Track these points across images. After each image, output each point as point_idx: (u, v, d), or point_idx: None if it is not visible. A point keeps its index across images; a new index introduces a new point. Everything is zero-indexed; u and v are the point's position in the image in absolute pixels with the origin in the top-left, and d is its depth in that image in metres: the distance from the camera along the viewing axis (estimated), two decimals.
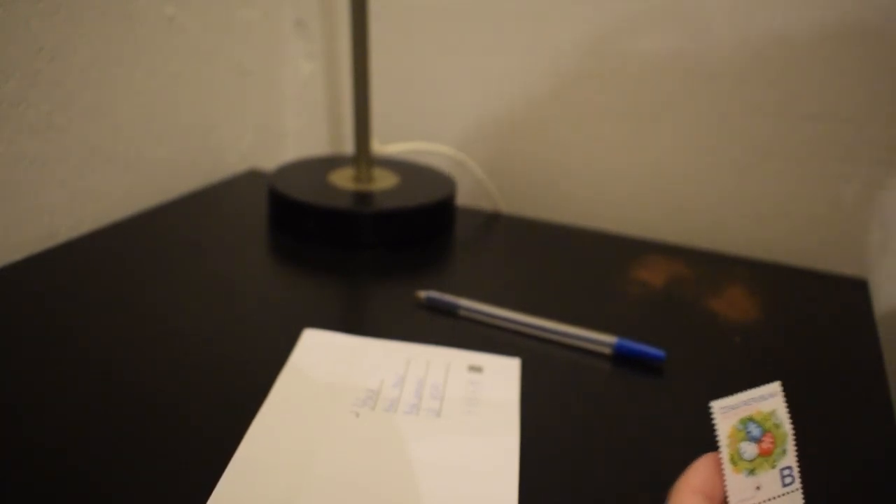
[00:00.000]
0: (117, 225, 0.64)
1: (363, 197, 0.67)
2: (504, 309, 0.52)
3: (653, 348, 0.48)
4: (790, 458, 0.28)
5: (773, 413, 0.28)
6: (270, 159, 0.88)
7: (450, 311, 0.53)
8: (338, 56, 0.85)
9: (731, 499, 0.27)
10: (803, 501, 0.27)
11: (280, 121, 0.89)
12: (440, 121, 0.82)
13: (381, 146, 0.73)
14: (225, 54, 0.77)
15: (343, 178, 0.70)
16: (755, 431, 0.27)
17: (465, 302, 0.53)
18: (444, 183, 0.71)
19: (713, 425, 0.27)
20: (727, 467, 0.27)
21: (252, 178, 0.80)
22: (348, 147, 0.88)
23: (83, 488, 0.34)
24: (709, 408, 0.27)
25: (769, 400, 0.28)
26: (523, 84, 0.77)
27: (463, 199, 0.74)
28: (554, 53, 0.75)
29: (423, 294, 0.54)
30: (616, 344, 0.48)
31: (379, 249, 0.63)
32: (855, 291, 0.60)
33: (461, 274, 0.60)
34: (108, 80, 0.63)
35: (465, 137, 0.80)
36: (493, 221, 0.73)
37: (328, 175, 0.71)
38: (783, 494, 0.27)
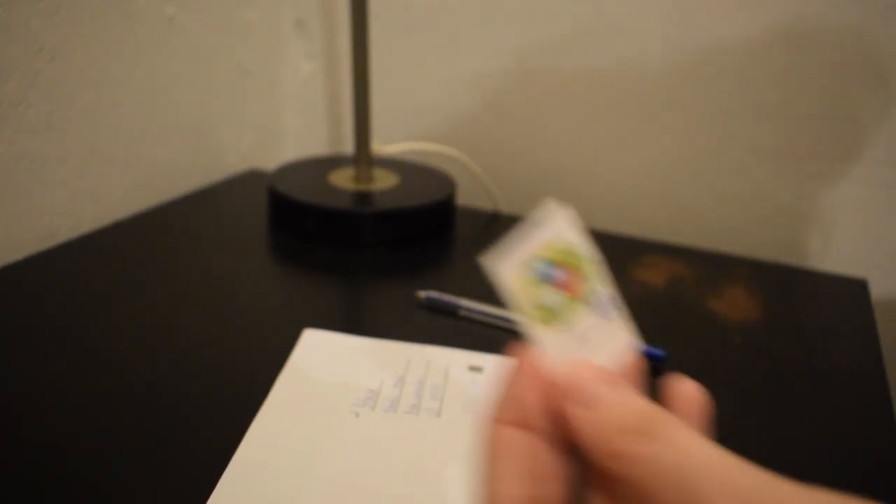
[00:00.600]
0: (117, 225, 0.64)
1: (363, 197, 0.67)
2: (504, 309, 0.52)
3: (653, 348, 0.48)
4: (604, 286, 0.23)
5: (560, 241, 0.22)
6: (270, 159, 0.88)
7: (450, 311, 0.53)
8: (338, 56, 0.85)
9: (545, 351, 0.23)
10: (627, 321, 0.23)
11: (280, 121, 0.89)
12: (440, 121, 0.82)
13: (381, 146, 0.73)
14: (225, 54, 0.77)
15: (343, 178, 0.70)
16: (549, 271, 0.22)
17: (465, 302, 0.53)
18: (444, 183, 0.71)
19: (496, 286, 0.22)
20: (536, 329, 0.22)
21: (252, 178, 0.80)
22: (348, 147, 0.88)
23: (83, 488, 0.34)
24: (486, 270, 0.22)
25: (551, 228, 0.22)
26: (523, 84, 0.77)
27: (463, 199, 0.74)
28: (554, 53, 0.75)
29: (423, 294, 0.54)
30: None
31: (379, 249, 0.63)
32: (855, 291, 0.60)
33: (461, 274, 0.60)
34: (108, 80, 0.63)
35: (465, 137, 0.80)
36: (493, 221, 0.73)
37: (328, 175, 0.71)
38: (605, 326, 0.23)
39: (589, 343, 0.23)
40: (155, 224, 0.65)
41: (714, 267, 0.63)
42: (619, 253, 0.65)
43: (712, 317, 0.55)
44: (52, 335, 0.47)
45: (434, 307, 0.53)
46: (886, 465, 0.40)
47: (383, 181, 0.70)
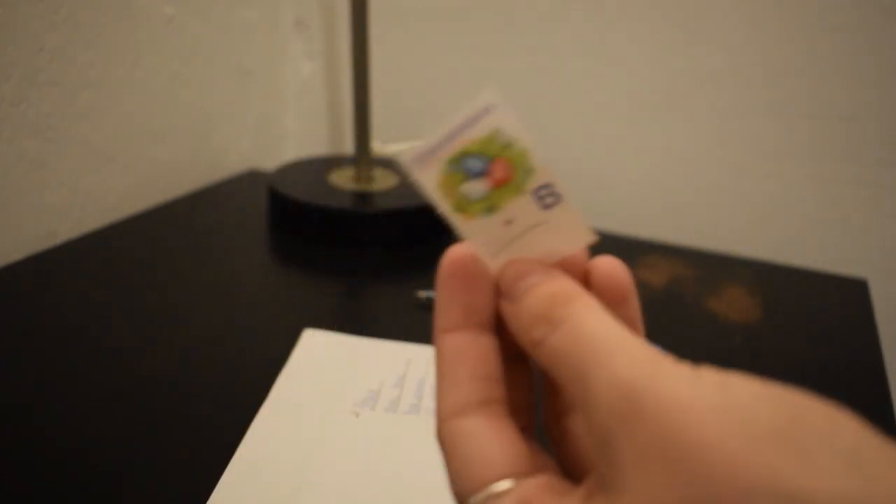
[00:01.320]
0: (117, 225, 0.64)
1: (363, 197, 0.67)
2: None
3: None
4: (544, 175, 0.20)
5: (494, 133, 0.20)
6: (270, 159, 0.88)
7: None
8: (338, 56, 0.85)
9: (478, 250, 0.21)
10: (580, 213, 0.21)
11: (280, 121, 0.89)
12: (440, 120, 0.82)
13: (381, 146, 0.73)
14: (225, 54, 0.77)
15: (343, 178, 0.70)
16: (475, 165, 0.20)
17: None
18: None
19: (417, 183, 0.20)
20: (456, 220, 0.21)
21: (252, 178, 0.80)
22: (348, 147, 0.88)
23: (83, 488, 0.34)
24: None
25: (484, 120, 0.20)
26: (523, 83, 0.77)
27: None
28: (554, 53, 0.75)
29: (423, 294, 0.54)
30: None
31: (379, 249, 0.63)
32: (855, 291, 0.60)
33: None
34: (108, 80, 0.63)
35: None
36: None
37: (328, 175, 0.71)
38: (549, 218, 0.21)
39: (515, 227, 0.21)
40: (155, 224, 0.65)
41: (714, 267, 0.63)
42: (619, 253, 0.65)
43: (712, 317, 0.54)
44: (52, 335, 0.47)
45: (434, 307, 0.53)
46: None
47: (383, 181, 0.70)
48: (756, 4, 0.66)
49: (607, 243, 0.68)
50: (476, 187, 0.20)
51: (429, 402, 0.42)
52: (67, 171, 0.61)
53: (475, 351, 0.21)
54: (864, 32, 0.64)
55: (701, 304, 0.56)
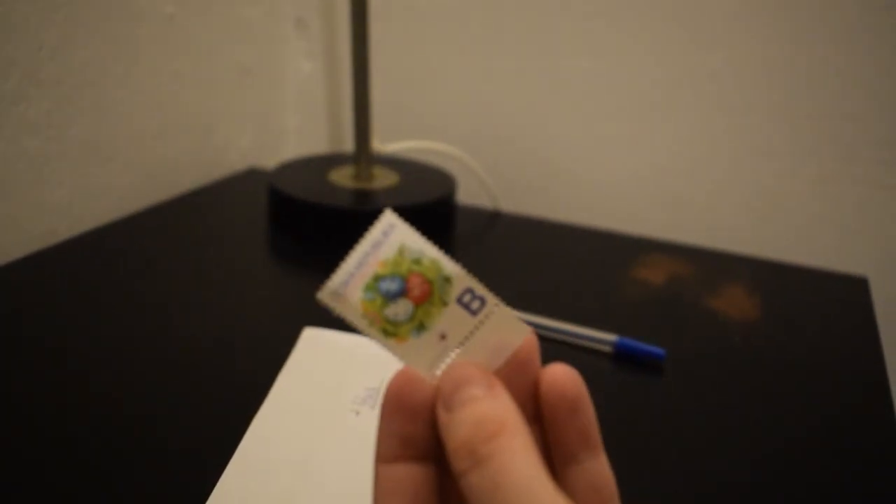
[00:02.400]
0: (117, 223, 0.64)
1: (363, 195, 0.67)
2: (505, 304, 0.52)
3: (653, 347, 0.48)
4: (462, 281, 0.21)
5: (401, 250, 0.20)
6: (271, 157, 0.88)
7: None
8: (338, 54, 0.85)
9: (421, 370, 0.21)
10: (511, 311, 0.21)
11: (280, 119, 0.89)
12: (440, 119, 0.82)
13: (382, 144, 0.73)
14: (225, 53, 0.77)
15: (343, 177, 0.70)
16: (392, 287, 0.20)
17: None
18: (444, 181, 0.71)
19: (339, 317, 0.20)
20: (389, 345, 0.21)
21: (252, 176, 0.80)
22: (348, 145, 0.88)
23: (84, 487, 0.34)
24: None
25: (388, 240, 0.20)
26: (523, 82, 0.77)
27: (463, 197, 0.74)
28: (554, 52, 0.75)
29: None
30: (617, 342, 0.48)
31: None
32: (855, 290, 0.60)
33: None
34: (108, 78, 0.63)
35: (465, 136, 0.80)
36: (493, 220, 0.73)
37: (328, 173, 0.71)
38: (482, 322, 0.21)
39: (451, 340, 0.21)
40: (155, 222, 0.65)
41: (714, 266, 0.63)
42: (619, 252, 0.65)
43: (712, 316, 0.55)
44: (52, 333, 0.47)
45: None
46: (886, 464, 0.40)
47: (383, 179, 0.70)
48: (756, 4, 0.66)
49: (608, 241, 0.68)
50: (399, 309, 0.21)
51: None
52: (67, 170, 0.61)
53: (410, 484, 0.21)
54: (865, 32, 0.64)
55: (701, 302, 0.56)
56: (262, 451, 0.37)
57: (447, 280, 0.21)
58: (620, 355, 0.48)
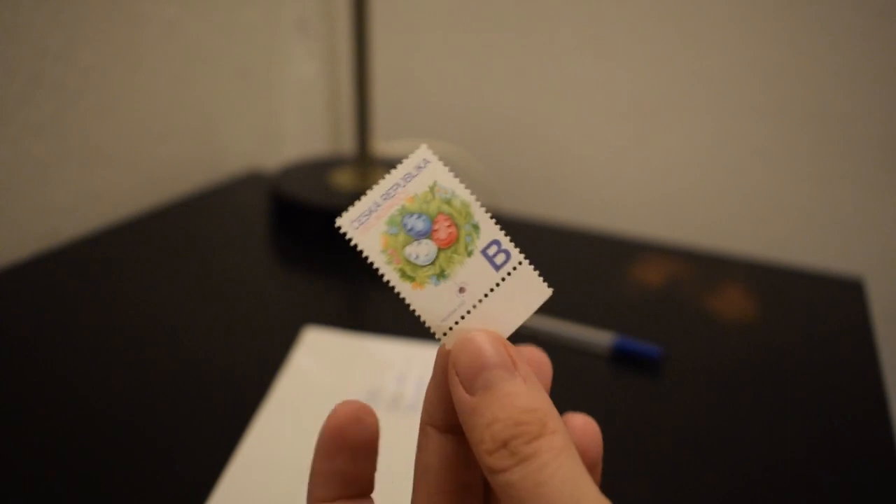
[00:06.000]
0: (119, 225, 0.64)
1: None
2: None
3: (651, 347, 0.48)
4: (490, 231, 0.19)
5: (433, 188, 0.19)
6: (271, 159, 0.88)
7: None
8: (338, 56, 0.85)
9: (431, 324, 0.19)
10: (536, 273, 0.20)
11: (281, 121, 0.90)
12: (441, 120, 0.82)
13: (382, 146, 0.73)
14: (226, 55, 0.78)
15: (344, 178, 0.70)
16: (418, 224, 0.19)
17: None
18: None
19: (356, 249, 0.19)
20: (403, 289, 0.19)
21: (253, 178, 0.80)
22: (349, 147, 0.88)
23: (84, 487, 0.35)
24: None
25: (421, 174, 0.19)
26: (524, 83, 0.77)
27: None
28: (554, 53, 0.75)
29: None
30: (615, 342, 0.49)
31: None
32: (852, 291, 0.60)
33: None
34: (111, 81, 0.64)
35: (465, 137, 0.81)
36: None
37: (329, 175, 0.71)
38: (504, 279, 0.20)
39: (470, 295, 0.19)
40: (157, 223, 0.65)
41: (712, 266, 0.64)
42: (618, 252, 0.65)
43: (711, 316, 0.55)
44: (54, 333, 0.47)
45: None
46: (884, 464, 0.40)
47: None
48: (755, 4, 0.67)
49: (608, 242, 0.68)
50: (421, 250, 0.19)
51: None
52: (70, 171, 0.62)
53: (440, 452, 0.20)
54: (864, 32, 0.64)
55: (699, 303, 0.57)
56: (264, 451, 0.38)
57: (475, 227, 0.19)
58: (618, 355, 0.49)
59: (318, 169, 0.73)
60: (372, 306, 0.56)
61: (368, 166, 0.70)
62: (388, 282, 0.19)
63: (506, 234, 0.20)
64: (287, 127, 0.91)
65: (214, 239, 0.63)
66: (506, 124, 0.80)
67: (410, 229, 0.19)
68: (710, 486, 0.37)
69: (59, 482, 0.35)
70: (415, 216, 0.19)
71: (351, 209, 0.19)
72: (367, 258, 0.19)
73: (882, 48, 0.64)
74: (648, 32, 0.71)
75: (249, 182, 0.79)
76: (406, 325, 0.51)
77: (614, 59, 0.73)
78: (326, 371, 0.45)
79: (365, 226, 0.19)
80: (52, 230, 0.61)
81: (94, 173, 0.64)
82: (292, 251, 0.63)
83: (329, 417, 0.20)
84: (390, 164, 0.75)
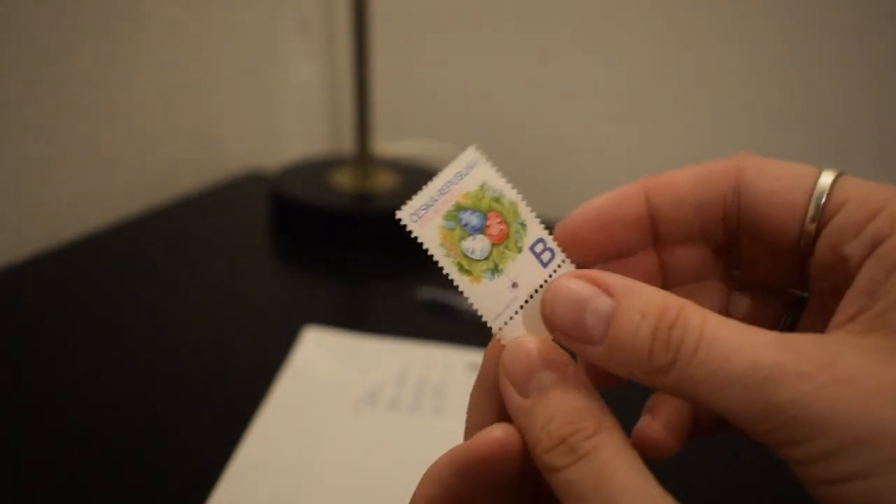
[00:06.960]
0: (119, 225, 0.64)
1: (364, 197, 0.67)
2: None
3: None
4: (535, 229, 0.21)
5: (483, 187, 0.20)
6: (272, 159, 0.88)
7: (450, 311, 0.53)
8: (339, 56, 0.85)
9: (488, 319, 0.20)
10: (574, 267, 0.21)
11: (282, 121, 0.90)
12: (441, 120, 0.82)
13: (382, 146, 0.73)
14: (226, 55, 0.78)
15: (344, 179, 0.70)
16: (472, 220, 0.20)
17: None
18: None
19: (417, 241, 0.20)
20: (462, 283, 0.20)
21: (253, 178, 0.80)
22: (349, 147, 0.88)
23: (85, 487, 0.35)
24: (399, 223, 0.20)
25: (471, 173, 0.21)
26: (524, 84, 0.77)
27: None
28: (555, 52, 0.75)
29: (423, 293, 0.54)
30: None
31: (380, 249, 0.63)
32: None
33: None
34: (111, 81, 0.64)
35: (465, 137, 0.80)
36: None
37: (329, 175, 0.71)
38: (552, 275, 0.20)
39: (522, 289, 0.20)
40: (157, 224, 0.65)
41: None
42: None
43: None
44: (54, 333, 0.47)
45: (434, 306, 0.54)
46: None
47: (384, 181, 0.70)
48: (755, 4, 0.67)
49: None
50: (476, 245, 0.20)
51: (430, 401, 0.42)
52: (70, 172, 0.61)
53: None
54: (864, 32, 0.64)
55: None
56: (264, 450, 0.37)
57: (523, 225, 0.20)
58: None
59: (318, 169, 0.73)
60: (372, 306, 0.56)
61: (369, 166, 0.70)
62: (447, 275, 0.20)
63: (550, 234, 0.21)
64: (287, 127, 0.91)
65: (214, 239, 0.63)
66: (506, 124, 0.79)
67: (465, 224, 0.20)
68: (708, 485, 0.37)
69: (58, 483, 0.35)
70: (469, 212, 0.20)
71: (409, 203, 0.20)
72: (427, 251, 0.20)
73: (882, 48, 0.64)
74: (649, 33, 0.71)
75: (249, 182, 0.79)
76: (406, 325, 0.51)
77: (615, 59, 0.73)
78: (326, 371, 0.45)
79: (423, 219, 0.20)
80: (51, 231, 0.61)
81: (94, 174, 0.64)
82: (292, 251, 0.63)
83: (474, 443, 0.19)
84: (390, 164, 0.75)
